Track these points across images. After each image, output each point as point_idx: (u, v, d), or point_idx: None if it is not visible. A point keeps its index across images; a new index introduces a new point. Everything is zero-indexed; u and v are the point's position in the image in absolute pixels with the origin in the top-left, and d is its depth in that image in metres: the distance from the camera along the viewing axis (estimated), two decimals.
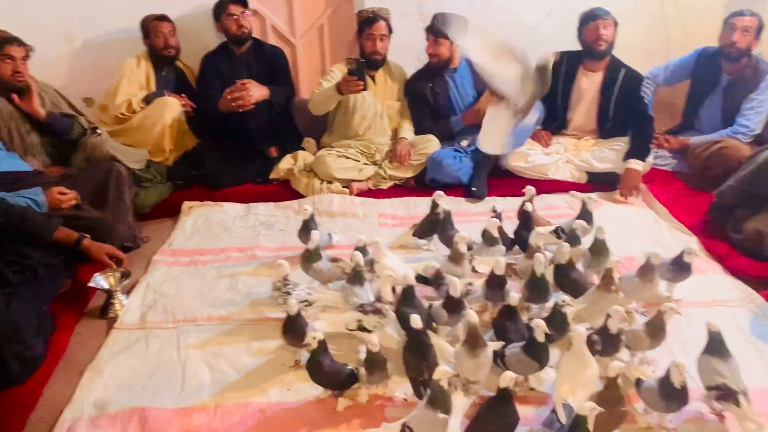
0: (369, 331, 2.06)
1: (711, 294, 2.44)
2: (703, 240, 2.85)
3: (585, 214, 2.67)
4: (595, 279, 2.31)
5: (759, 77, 3.37)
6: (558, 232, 2.57)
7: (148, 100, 3.42)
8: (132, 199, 2.99)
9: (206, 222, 3.12)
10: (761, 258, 2.60)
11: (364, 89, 3.29)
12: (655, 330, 1.95)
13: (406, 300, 2.07)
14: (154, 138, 3.36)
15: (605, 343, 1.92)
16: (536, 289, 2.20)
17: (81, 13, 3.69)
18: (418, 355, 1.86)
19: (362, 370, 1.87)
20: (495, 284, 2.20)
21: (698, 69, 3.61)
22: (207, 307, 2.42)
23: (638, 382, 1.81)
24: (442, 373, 1.62)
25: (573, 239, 2.47)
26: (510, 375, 1.62)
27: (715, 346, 1.82)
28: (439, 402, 1.63)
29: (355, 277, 2.23)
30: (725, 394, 1.73)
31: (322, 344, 1.85)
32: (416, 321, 1.85)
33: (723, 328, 2.13)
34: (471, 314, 1.86)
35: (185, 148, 3.54)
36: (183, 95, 3.52)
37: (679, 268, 2.28)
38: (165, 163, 3.43)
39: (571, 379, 1.76)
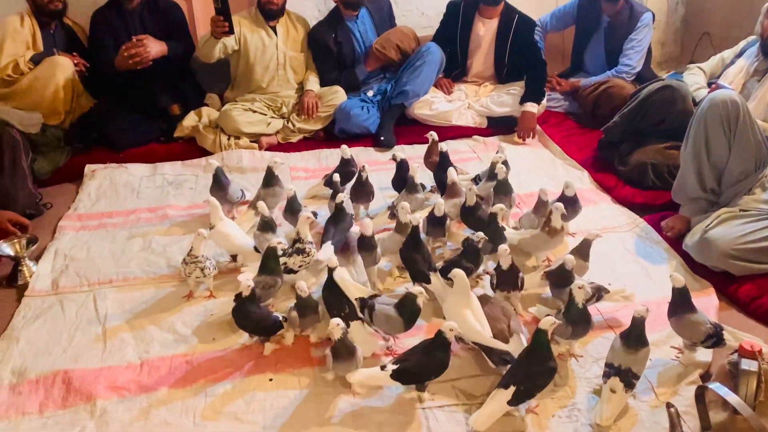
0: (295, 272, 2.15)
1: (602, 222, 2.67)
2: (593, 174, 3.08)
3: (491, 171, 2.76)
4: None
5: (635, 18, 3.61)
6: (475, 180, 2.75)
7: (36, 60, 3.24)
8: (30, 164, 2.87)
9: (111, 184, 3.04)
10: (644, 187, 2.86)
11: (230, 31, 3.22)
12: (583, 257, 2.13)
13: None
14: (47, 100, 3.20)
15: (501, 280, 2.08)
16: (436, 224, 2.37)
17: None
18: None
19: (294, 314, 1.94)
20: (435, 222, 2.35)
21: (581, 14, 3.83)
22: (122, 269, 2.40)
23: None
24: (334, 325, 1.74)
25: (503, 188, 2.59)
26: (550, 319, 1.67)
27: (684, 302, 1.83)
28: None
29: (266, 225, 2.32)
30: (716, 340, 1.78)
31: (251, 292, 1.89)
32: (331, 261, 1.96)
33: (612, 251, 2.38)
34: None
35: (82, 109, 3.40)
36: (75, 54, 3.36)
37: (566, 203, 2.46)
38: (62, 126, 3.29)
39: (469, 311, 1.89)
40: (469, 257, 2.17)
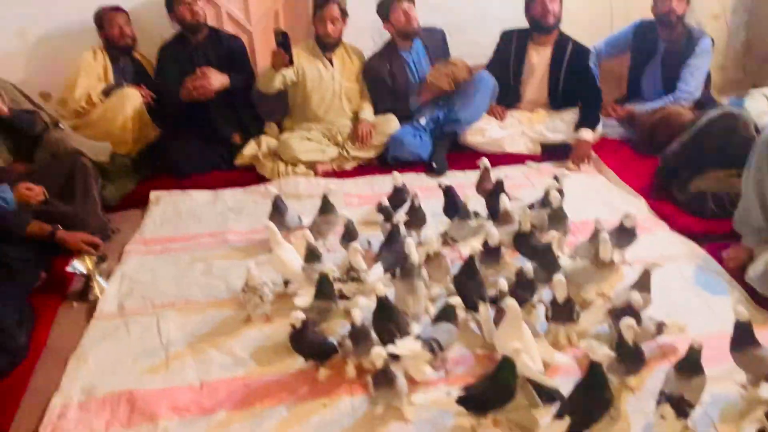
0: (349, 298, 2.20)
1: (660, 251, 2.61)
2: (650, 202, 3.03)
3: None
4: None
5: (693, 43, 3.55)
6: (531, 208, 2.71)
7: (107, 93, 3.43)
8: (99, 191, 3.01)
9: (175, 210, 3.16)
10: (704, 216, 2.79)
11: (291, 63, 3.32)
12: (644, 289, 2.09)
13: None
14: (117, 130, 3.36)
15: (555, 312, 2.06)
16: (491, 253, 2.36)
17: (33, 6, 3.65)
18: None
19: (348, 343, 1.97)
20: (489, 251, 2.34)
21: (637, 40, 3.79)
22: (184, 292, 2.48)
23: None
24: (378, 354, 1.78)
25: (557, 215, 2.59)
26: (606, 354, 1.69)
27: (747, 336, 1.79)
28: None
29: (311, 255, 2.38)
30: None
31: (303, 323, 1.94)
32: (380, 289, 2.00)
33: (671, 281, 2.33)
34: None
35: (148, 138, 3.56)
36: (142, 86, 3.53)
37: (623, 234, 2.43)
38: (129, 155, 3.45)
39: (520, 345, 1.89)
40: (523, 287, 2.16)
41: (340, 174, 3.52)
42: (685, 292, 2.36)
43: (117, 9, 3.52)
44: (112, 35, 3.50)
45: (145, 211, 3.18)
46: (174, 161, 3.45)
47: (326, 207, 2.74)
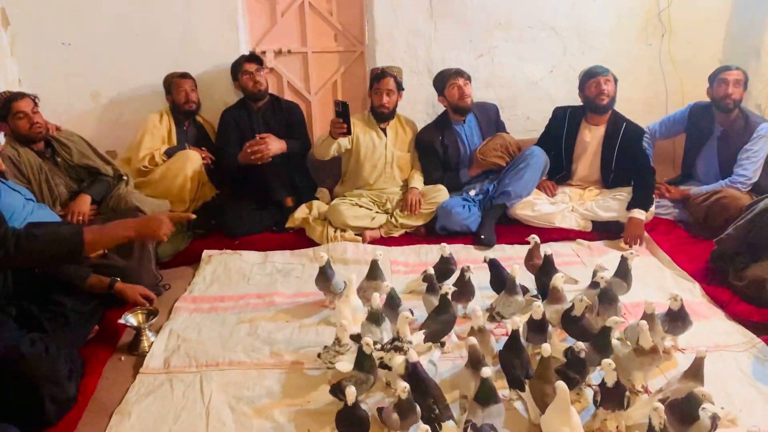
0: (390, 368, 2.17)
1: (714, 339, 2.53)
2: (705, 287, 2.94)
3: (623, 270, 2.72)
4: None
5: (750, 127, 3.52)
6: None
7: (169, 154, 3.60)
8: (155, 248, 3.11)
9: (225, 269, 3.23)
10: (762, 304, 2.69)
11: (348, 132, 3.40)
12: (696, 378, 2.02)
13: None
14: (176, 189, 3.51)
15: (604, 395, 1.98)
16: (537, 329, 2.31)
17: (107, 71, 3.90)
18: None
19: (395, 416, 1.92)
20: (535, 328, 2.30)
21: (692, 122, 3.78)
22: (228, 352, 2.51)
23: None
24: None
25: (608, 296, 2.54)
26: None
27: None
28: None
29: (373, 317, 2.38)
30: None
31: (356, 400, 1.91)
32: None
33: (726, 371, 2.24)
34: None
35: (205, 198, 3.69)
36: (203, 148, 3.70)
37: (673, 317, 2.36)
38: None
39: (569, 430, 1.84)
40: (574, 367, 2.11)
41: (388, 241, 3.55)
42: (741, 383, 2.26)
43: (184, 75, 3.73)
44: (178, 100, 3.69)
45: (196, 269, 3.26)
46: (228, 221, 3.55)
47: (374, 272, 2.77)
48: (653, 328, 2.27)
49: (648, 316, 2.31)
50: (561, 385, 1.85)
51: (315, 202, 3.69)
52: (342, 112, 3.31)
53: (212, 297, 2.98)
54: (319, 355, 2.32)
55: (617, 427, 2.02)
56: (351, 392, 1.88)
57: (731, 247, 2.93)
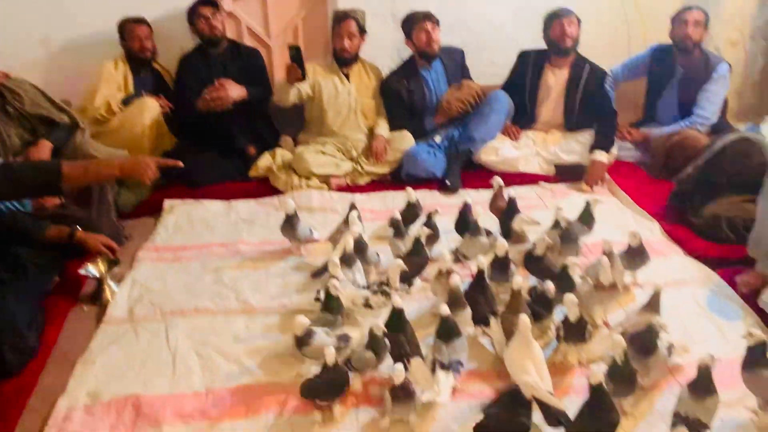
0: (372, 308, 2.22)
1: (672, 275, 2.59)
2: (664, 225, 3.01)
3: (586, 215, 2.75)
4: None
5: (710, 68, 3.55)
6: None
7: (126, 102, 3.49)
8: (114, 198, 3.04)
9: (188, 219, 3.18)
10: (718, 240, 2.77)
11: (303, 78, 3.36)
12: (655, 311, 2.08)
13: None
14: (134, 139, 3.41)
15: (567, 331, 2.03)
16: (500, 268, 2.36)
17: (57, 16, 3.72)
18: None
19: (369, 354, 1.93)
20: (499, 266, 2.35)
21: (653, 65, 3.80)
22: (194, 300, 2.49)
23: None
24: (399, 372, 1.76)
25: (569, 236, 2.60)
26: (599, 374, 1.66)
27: (760, 357, 1.76)
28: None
29: (344, 259, 2.41)
30: None
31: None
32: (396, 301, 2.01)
33: (684, 306, 2.31)
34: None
35: (164, 148, 3.60)
36: (161, 96, 3.59)
37: (633, 255, 2.42)
38: None
39: (530, 363, 1.86)
40: (540, 304, 2.15)
41: (354, 189, 3.53)
42: (698, 316, 2.34)
43: (139, 21, 3.59)
44: (133, 47, 3.56)
45: (158, 219, 3.20)
46: (189, 171, 3.44)
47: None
48: (613, 265, 2.33)
49: (608, 254, 2.35)
50: (523, 318, 1.88)
51: (278, 150, 3.63)
52: (295, 56, 3.24)
53: (175, 246, 2.93)
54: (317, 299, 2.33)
55: (578, 360, 2.08)
56: (330, 353, 1.84)
57: (690, 186, 3.00)
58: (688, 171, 3.01)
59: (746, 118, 4.28)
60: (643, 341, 1.91)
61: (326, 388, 1.86)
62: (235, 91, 3.51)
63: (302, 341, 1.96)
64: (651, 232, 2.96)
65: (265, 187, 3.51)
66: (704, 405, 1.66)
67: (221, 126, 3.57)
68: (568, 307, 2.01)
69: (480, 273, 2.23)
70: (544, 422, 1.78)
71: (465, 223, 2.74)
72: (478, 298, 2.19)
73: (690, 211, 2.96)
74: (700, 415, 1.65)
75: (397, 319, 2.03)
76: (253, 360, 2.14)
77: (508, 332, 2.05)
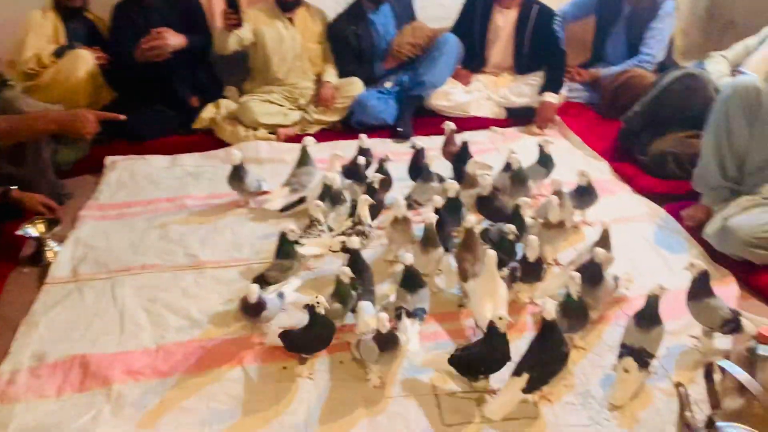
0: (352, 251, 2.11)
1: (621, 212, 2.64)
2: (613, 164, 3.04)
3: (543, 157, 2.74)
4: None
5: (656, 6, 3.55)
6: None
7: (58, 54, 3.29)
8: (51, 156, 2.90)
9: (131, 175, 3.07)
10: (664, 176, 2.82)
11: (239, 24, 3.25)
12: (606, 247, 2.09)
13: None
14: (69, 93, 3.23)
15: (525, 270, 2.03)
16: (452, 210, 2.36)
17: None
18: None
19: (336, 305, 1.90)
20: (450, 209, 2.34)
21: (601, 3, 3.79)
22: (140, 257, 2.42)
23: None
24: (380, 319, 1.70)
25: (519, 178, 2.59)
26: (552, 307, 1.66)
27: (704, 287, 1.81)
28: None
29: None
30: (734, 326, 1.76)
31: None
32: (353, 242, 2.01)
33: (632, 241, 2.34)
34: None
35: (103, 102, 3.42)
36: (96, 47, 3.40)
37: (582, 194, 2.44)
38: None
39: (491, 300, 1.88)
40: (502, 249, 2.13)
41: (303, 138, 3.43)
42: (645, 250, 2.39)
43: None
44: None
45: (100, 177, 3.08)
46: (130, 125, 3.28)
47: (305, 159, 2.76)
48: (562, 204, 2.33)
49: (557, 193, 2.36)
50: (490, 253, 1.89)
51: (223, 101, 3.51)
52: (231, 1, 3.10)
53: (119, 203, 2.84)
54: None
55: (530, 297, 2.10)
56: (324, 301, 1.76)
57: (637, 124, 3.03)
58: (635, 109, 3.03)
59: (692, 56, 4.31)
60: (591, 272, 1.93)
61: (312, 342, 1.82)
62: (173, 40, 3.35)
63: (254, 310, 1.87)
64: (600, 171, 3.00)
65: (210, 140, 3.40)
66: (650, 335, 1.70)
67: (161, 77, 3.42)
68: (528, 247, 2.00)
69: (437, 211, 2.24)
70: None
71: (417, 169, 2.71)
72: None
73: (637, 148, 2.99)
74: (646, 345, 1.69)
75: (354, 262, 2.01)
76: (204, 314, 2.10)
77: (463, 270, 2.06)
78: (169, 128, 3.44)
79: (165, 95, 3.46)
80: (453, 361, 1.73)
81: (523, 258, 2.03)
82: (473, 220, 2.14)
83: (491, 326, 1.65)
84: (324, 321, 1.78)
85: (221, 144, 3.36)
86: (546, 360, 1.66)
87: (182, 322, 2.07)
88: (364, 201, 2.30)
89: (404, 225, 2.26)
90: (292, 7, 3.53)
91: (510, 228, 2.13)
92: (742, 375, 1.11)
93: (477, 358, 1.70)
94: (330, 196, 2.46)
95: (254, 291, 1.84)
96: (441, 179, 2.74)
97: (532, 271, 2.03)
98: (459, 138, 2.90)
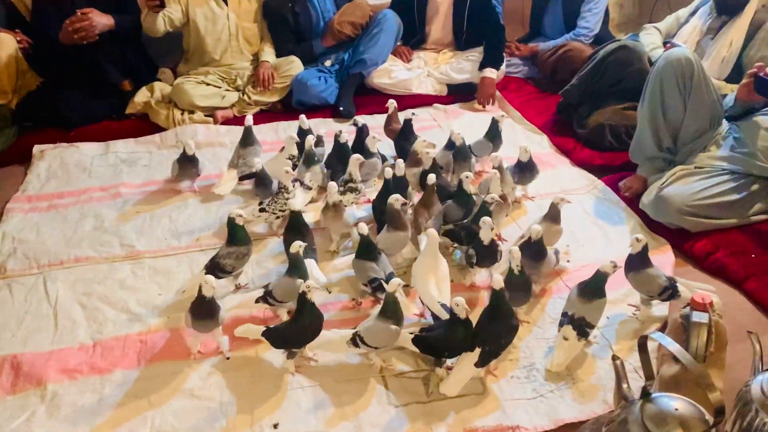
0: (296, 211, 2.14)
1: (561, 185, 2.67)
2: (552, 137, 3.08)
3: (492, 131, 2.73)
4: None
5: None
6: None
7: None
8: None
9: (62, 164, 2.94)
10: (602, 148, 2.86)
11: (161, 5, 3.14)
12: (554, 221, 2.12)
13: None
14: None
15: (481, 254, 2.01)
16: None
17: None
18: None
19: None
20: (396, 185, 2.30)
21: None
22: (73, 249, 2.32)
23: None
24: (394, 284, 1.69)
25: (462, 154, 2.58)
26: (500, 278, 1.66)
27: (643, 258, 1.84)
28: (391, 313, 1.69)
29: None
30: (672, 292, 1.83)
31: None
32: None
33: (572, 214, 2.38)
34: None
35: (29, 87, 3.25)
36: (17, 30, 3.22)
37: (523, 169, 2.46)
38: (8, 106, 3.15)
39: (433, 276, 1.88)
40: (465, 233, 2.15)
41: (242, 120, 3.31)
42: (585, 223, 2.43)
43: None
44: None
45: (28, 167, 2.93)
46: (59, 112, 3.18)
47: (249, 138, 2.73)
48: (503, 179, 2.35)
49: (498, 168, 2.37)
50: (431, 232, 1.88)
51: (157, 84, 3.38)
52: None
53: (50, 194, 2.71)
54: (262, 209, 2.32)
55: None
56: (210, 279, 1.73)
57: (575, 97, 3.06)
58: (573, 83, 3.07)
59: (627, 28, 4.40)
60: (534, 247, 1.95)
61: (304, 334, 1.73)
62: (100, 21, 3.18)
63: (208, 311, 1.76)
64: (540, 145, 3.03)
65: (144, 125, 3.27)
66: (591, 306, 1.73)
67: (90, 60, 3.25)
68: (482, 229, 1.97)
69: (386, 183, 2.25)
70: None
71: (361, 147, 2.68)
72: (382, 207, 2.19)
73: (576, 121, 3.03)
74: (586, 315, 1.72)
75: (295, 222, 2.04)
76: (143, 307, 2.04)
77: (418, 225, 2.09)
78: (100, 114, 3.28)
79: (95, 79, 3.30)
80: (416, 341, 1.72)
81: (479, 242, 2.00)
82: (433, 178, 2.22)
83: (451, 312, 1.64)
84: (313, 310, 1.72)
85: (156, 129, 3.24)
86: (497, 332, 1.67)
87: (120, 315, 2.01)
88: (356, 160, 2.37)
89: (335, 211, 2.24)
90: None
91: (492, 197, 2.08)
92: (673, 346, 1.13)
93: (440, 342, 1.70)
94: (307, 157, 2.55)
95: (212, 282, 1.74)
96: (384, 158, 2.73)
97: (489, 255, 2.01)
98: (402, 116, 2.88)
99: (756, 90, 2.22)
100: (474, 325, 1.69)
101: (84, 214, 2.55)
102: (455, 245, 2.24)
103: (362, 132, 2.70)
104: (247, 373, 1.78)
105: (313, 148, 2.58)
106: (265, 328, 1.76)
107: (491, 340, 1.66)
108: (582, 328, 1.71)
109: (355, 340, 1.71)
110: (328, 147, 2.75)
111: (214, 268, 2.00)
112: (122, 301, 2.06)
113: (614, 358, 1.32)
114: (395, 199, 2.07)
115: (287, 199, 2.29)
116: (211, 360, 1.82)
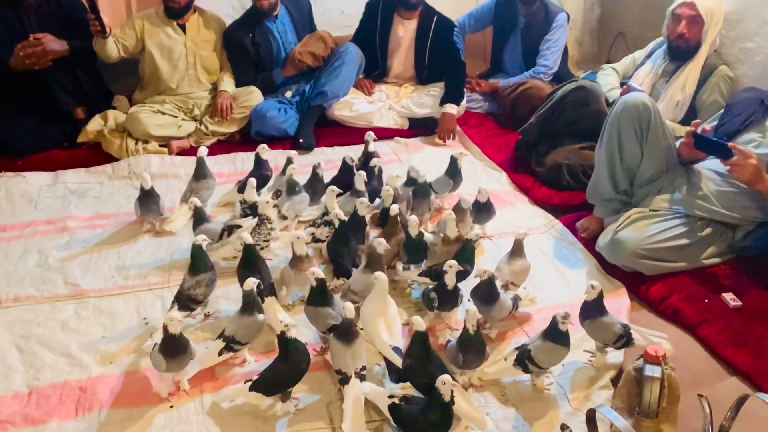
0: (322, 242, 2.33)
1: (519, 223, 2.66)
2: (511, 175, 3.09)
3: (452, 169, 2.71)
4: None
5: (550, 18, 3.63)
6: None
7: None
8: None
9: (7, 195, 2.83)
10: (560, 188, 2.88)
11: (102, 31, 3.09)
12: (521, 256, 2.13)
13: None
14: None
15: (443, 298, 1.97)
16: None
17: None
18: None
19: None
20: (354, 224, 2.31)
21: (498, 14, 3.83)
22: (13, 287, 2.22)
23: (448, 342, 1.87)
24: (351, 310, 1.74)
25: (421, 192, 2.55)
26: (418, 318, 1.69)
27: (598, 306, 1.84)
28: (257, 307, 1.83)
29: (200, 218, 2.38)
30: (626, 340, 1.82)
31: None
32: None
33: (529, 253, 2.35)
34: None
35: None
36: None
37: (480, 208, 2.46)
38: None
39: (382, 319, 1.84)
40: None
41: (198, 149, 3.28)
42: (541, 262, 2.41)
43: None
44: None
45: None
46: (6, 139, 3.08)
47: (202, 170, 2.65)
48: (463, 219, 2.34)
49: (461, 210, 2.35)
50: (380, 276, 1.84)
51: (111, 112, 3.30)
52: (91, 6, 2.97)
53: None
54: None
55: (446, 324, 2.07)
56: (175, 316, 1.68)
57: (534, 135, 3.08)
58: (532, 120, 3.08)
59: (586, 65, 4.49)
60: (485, 291, 1.93)
61: (292, 375, 1.69)
62: (53, 46, 3.10)
63: (180, 347, 1.71)
64: (499, 182, 3.03)
65: (97, 154, 3.18)
66: (554, 353, 1.73)
67: (41, 86, 3.15)
68: (448, 273, 1.92)
69: (342, 225, 2.22)
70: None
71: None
72: (341, 250, 2.17)
73: (534, 160, 3.05)
74: (541, 360, 1.74)
75: (249, 255, 2.01)
76: (84, 351, 1.94)
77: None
78: (50, 142, 3.19)
79: (46, 106, 3.20)
80: (392, 409, 1.64)
81: (442, 286, 1.96)
82: (396, 209, 2.23)
83: (436, 392, 1.53)
84: (297, 346, 1.67)
85: (109, 159, 3.15)
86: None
87: (60, 360, 1.91)
88: (331, 191, 2.36)
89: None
90: (178, 15, 3.34)
91: (477, 234, 2.12)
92: (620, 422, 1.12)
93: (413, 420, 1.60)
94: (288, 187, 2.54)
95: (177, 317, 1.68)
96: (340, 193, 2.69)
97: (451, 299, 1.98)
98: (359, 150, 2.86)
99: (696, 147, 2.26)
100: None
101: (27, 249, 2.45)
102: (412, 284, 2.23)
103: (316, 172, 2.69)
104: (194, 424, 1.70)
105: (292, 177, 2.55)
106: (249, 382, 1.69)
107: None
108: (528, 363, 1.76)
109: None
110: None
111: (186, 300, 1.96)
112: (63, 345, 1.96)
113: (563, 428, 1.30)
114: (379, 243, 1.99)
115: (271, 229, 2.27)
116: (156, 408, 1.74)
